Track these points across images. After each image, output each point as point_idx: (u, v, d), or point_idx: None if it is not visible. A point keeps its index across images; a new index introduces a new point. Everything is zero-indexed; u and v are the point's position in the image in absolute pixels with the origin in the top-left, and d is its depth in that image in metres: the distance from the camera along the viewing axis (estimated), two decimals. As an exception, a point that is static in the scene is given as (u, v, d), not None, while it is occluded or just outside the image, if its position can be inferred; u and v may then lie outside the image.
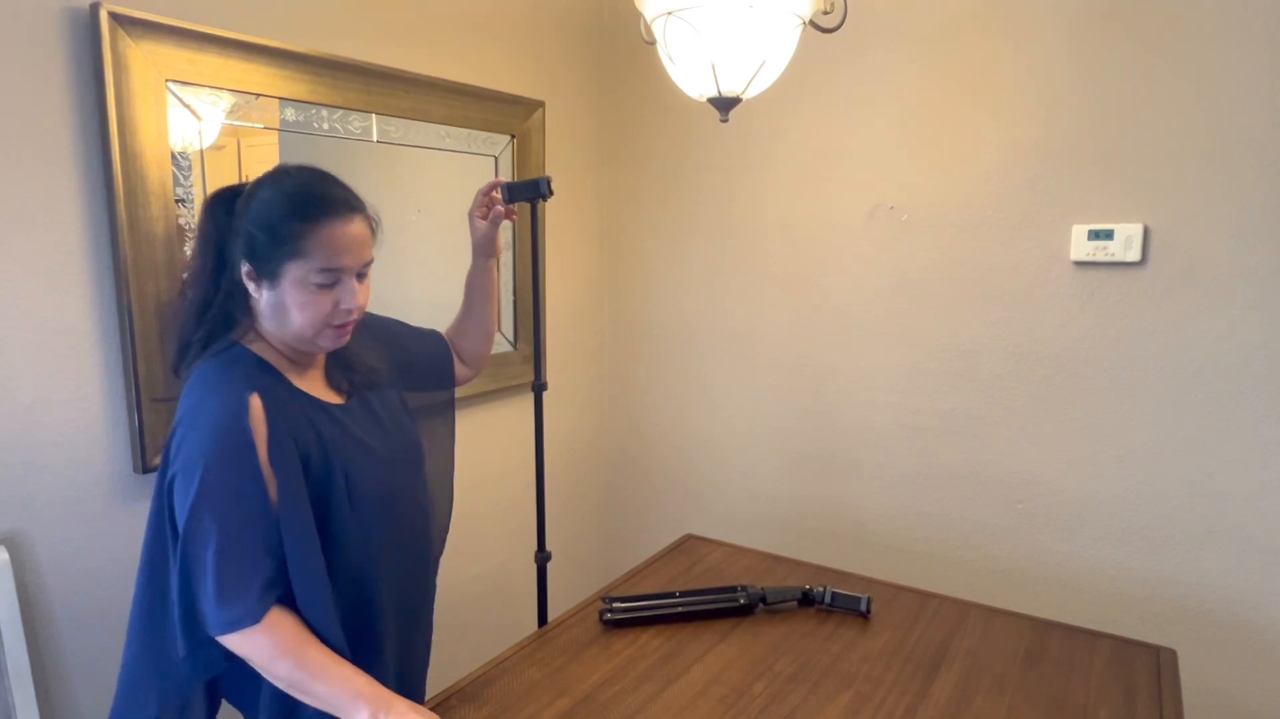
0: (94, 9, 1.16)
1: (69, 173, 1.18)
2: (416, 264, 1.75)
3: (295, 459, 0.94)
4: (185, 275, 1.01)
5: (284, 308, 0.96)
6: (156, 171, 1.24)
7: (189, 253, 1.04)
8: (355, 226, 0.97)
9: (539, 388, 1.41)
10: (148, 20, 1.21)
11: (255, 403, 0.93)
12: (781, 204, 1.95)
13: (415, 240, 1.74)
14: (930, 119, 1.73)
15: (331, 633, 0.95)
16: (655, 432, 2.26)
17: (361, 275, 0.99)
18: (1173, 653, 1.22)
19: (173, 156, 1.27)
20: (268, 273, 0.95)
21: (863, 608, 1.33)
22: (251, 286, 0.96)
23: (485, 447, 1.92)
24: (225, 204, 0.98)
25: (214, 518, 0.89)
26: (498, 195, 1.25)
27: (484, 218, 1.25)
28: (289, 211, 0.94)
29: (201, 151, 1.32)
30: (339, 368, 1.08)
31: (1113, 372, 1.60)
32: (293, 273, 0.94)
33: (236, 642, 0.90)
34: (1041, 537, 1.71)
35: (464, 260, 1.90)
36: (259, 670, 0.93)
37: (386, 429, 1.09)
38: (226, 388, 0.93)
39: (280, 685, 0.92)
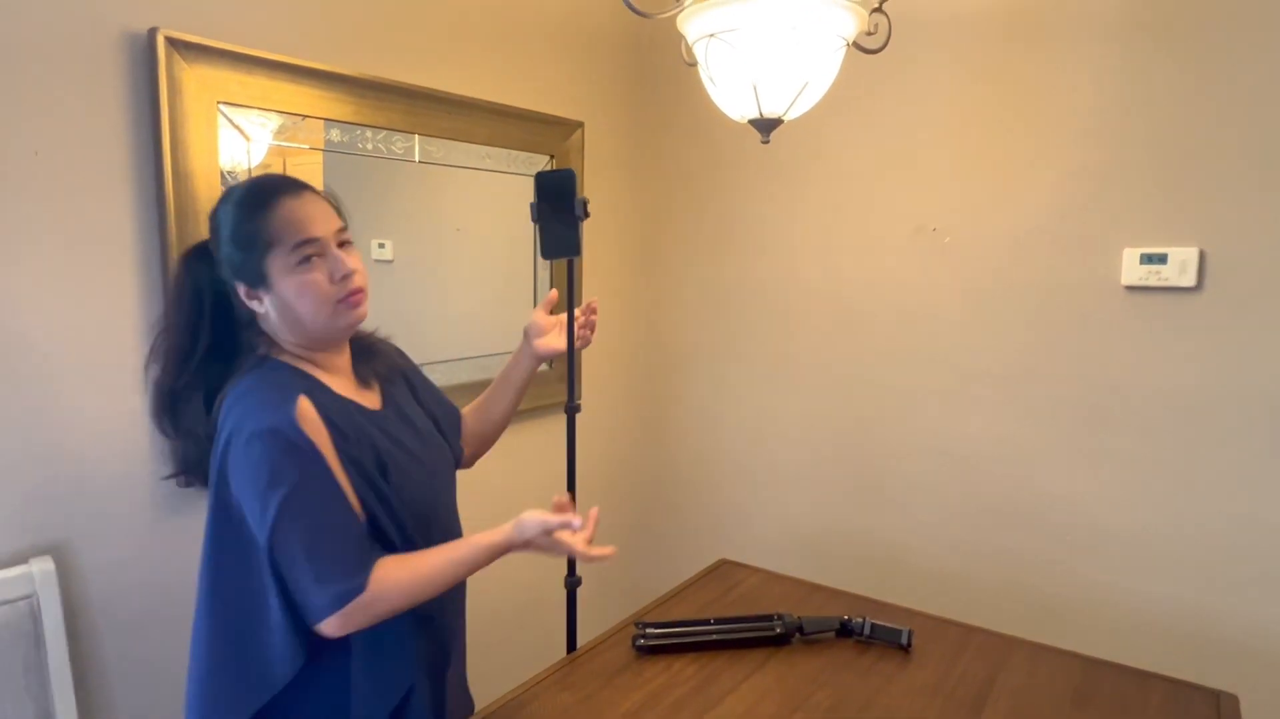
0: (151, 34, 1.20)
1: (124, 191, 1.22)
2: (455, 279, 1.78)
3: (352, 456, 0.96)
4: (160, 329, 1.02)
5: (288, 304, 0.96)
6: (206, 190, 1.28)
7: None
8: (308, 199, 0.98)
9: (572, 409, 1.40)
10: (202, 44, 1.25)
11: (305, 404, 0.93)
12: (821, 225, 1.94)
13: (454, 257, 1.77)
14: (975, 140, 1.71)
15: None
16: (689, 453, 2.25)
17: (342, 244, 0.99)
18: (1234, 699, 1.17)
19: (222, 176, 1.31)
20: (257, 278, 0.95)
21: (903, 641, 1.29)
22: (255, 305, 0.97)
23: (516, 467, 1.93)
24: (201, 254, 1.01)
25: (298, 515, 0.89)
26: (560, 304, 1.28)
27: (544, 313, 1.27)
28: (243, 212, 0.96)
29: (249, 170, 1.35)
30: (364, 362, 1.08)
31: (1166, 400, 1.55)
32: (276, 265, 0.95)
33: (350, 617, 0.90)
34: (1090, 570, 1.66)
35: (500, 274, 1.92)
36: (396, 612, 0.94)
37: (420, 429, 1.10)
38: (276, 396, 0.93)
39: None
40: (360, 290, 0.99)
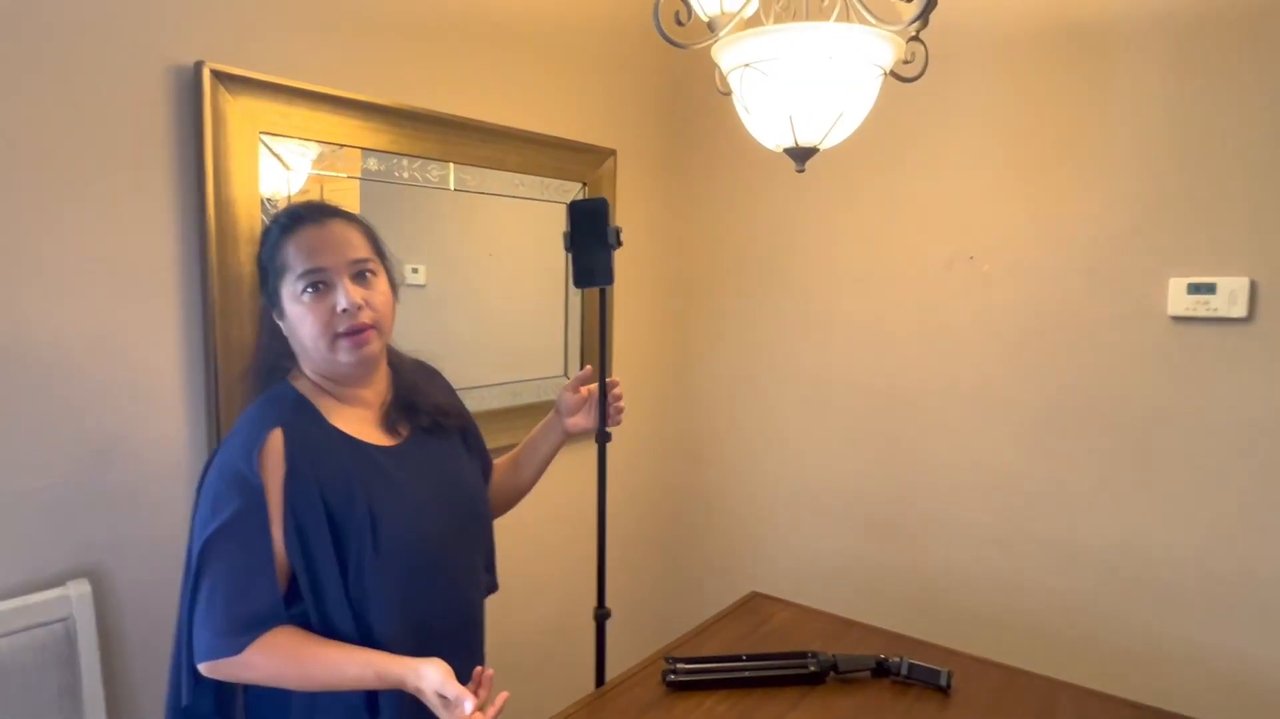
0: (198, 67, 1.24)
1: (168, 218, 1.25)
2: (486, 305, 1.79)
3: (315, 497, 0.94)
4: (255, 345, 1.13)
5: (294, 332, 0.99)
6: (246, 219, 1.31)
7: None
8: (331, 228, 0.99)
9: (602, 437, 1.39)
10: (245, 77, 1.28)
11: (275, 438, 0.94)
12: (856, 254, 1.93)
13: (486, 283, 1.79)
14: (1015, 166, 1.69)
15: None
16: (721, 483, 2.23)
17: (359, 276, 0.99)
18: (1297, 753, 1.11)
19: (262, 204, 1.33)
20: (274, 301, 1.00)
21: (943, 682, 1.26)
22: (281, 325, 1.01)
23: (545, 493, 1.92)
24: None
25: (216, 553, 0.91)
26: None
27: (576, 391, 1.28)
28: (272, 236, 1.01)
29: (289, 198, 1.38)
30: (403, 408, 1.08)
31: (1217, 435, 1.50)
32: (286, 291, 0.98)
33: (219, 668, 0.91)
34: (1139, 612, 1.60)
35: (531, 301, 1.92)
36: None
37: (441, 474, 1.08)
38: (251, 427, 0.96)
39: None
40: (364, 328, 0.98)
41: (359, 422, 1.03)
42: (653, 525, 2.31)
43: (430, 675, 0.90)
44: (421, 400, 1.10)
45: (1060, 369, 1.66)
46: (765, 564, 2.14)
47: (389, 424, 1.06)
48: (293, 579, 0.96)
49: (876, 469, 1.93)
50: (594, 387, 1.29)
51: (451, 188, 1.66)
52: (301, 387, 1.02)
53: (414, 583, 1.00)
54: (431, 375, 1.20)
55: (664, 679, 1.26)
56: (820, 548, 2.03)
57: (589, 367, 1.31)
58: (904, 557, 1.89)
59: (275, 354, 1.04)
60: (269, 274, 1.00)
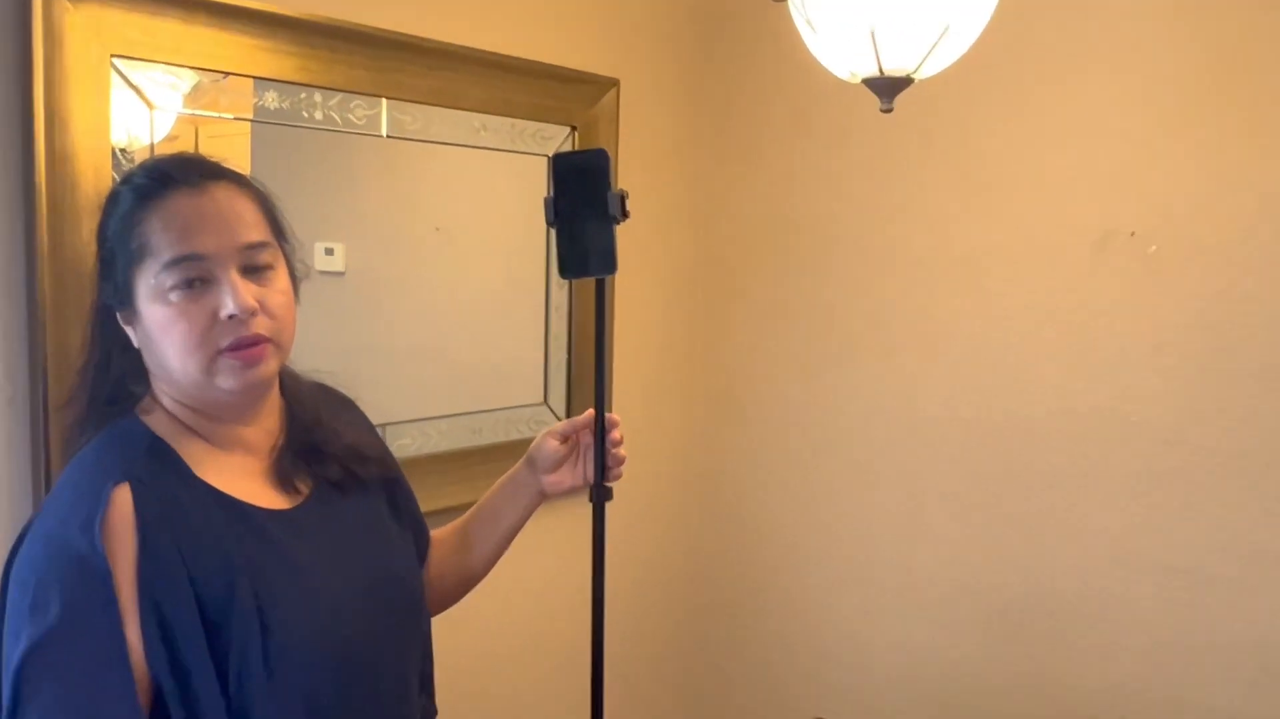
0: (23, -36, 1.24)
1: (-23, 180, 1.25)
2: (434, 301, 1.80)
3: (181, 583, 0.92)
4: (80, 363, 1.08)
5: (152, 344, 0.97)
6: (93, 180, 1.30)
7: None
8: (214, 196, 0.97)
9: (600, 495, 1.38)
10: (92, -24, 1.29)
11: (121, 499, 0.92)
12: (964, 230, 1.94)
13: (432, 270, 1.79)
14: (1195, 104, 1.69)
15: None
16: (764, 557, 2.23)
17: (253, 268, 0.98)
18: None
19: (114, 157, 1.33)
20: (122, 295, 0.97)
21: None
22: (130, 332, 0.99)
23: (509, 574, 1.90)
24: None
25: (46, 670, 0.87)
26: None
27: (563, 441, 1.27)
28: (124, 203, 0.98)
29: (152, 147, 1.38)
30: (301, 454, 1.08)
31: None
32: (144, 286, 0.95)
33: None
34: (1378, 750, 1.58)
35: (497, 295, 1.92)
36: None
37: (357, 549, 1.08)
38: (87, 481, 0.94)
39: None
40: (257, 342, 0.97)
41: (239, 474, 1.03)
42: (668, 619, 2.31)
43: None
44: (328, 442, 1.10)
45: (1264, 396, 1.66)
46: (830, 674, 2.14)
47: (282, 477, 1.06)
48: (157, 701, 0.93)
49: (994, 540, 1.93)
50: (586, 432, 1.27)
51: (384, 133, 1.67)
52: (156, 423, 1.01)
53: (321, 713, 0.98)
54: (341, 406, 1.21)
55: None
56: (910, 651, 2.03)
57: (590, 410, 1.29)
58: (1035, 665, 1.89)
59: (119, 375, 1.02)
60: (116, 258, 0.98)
